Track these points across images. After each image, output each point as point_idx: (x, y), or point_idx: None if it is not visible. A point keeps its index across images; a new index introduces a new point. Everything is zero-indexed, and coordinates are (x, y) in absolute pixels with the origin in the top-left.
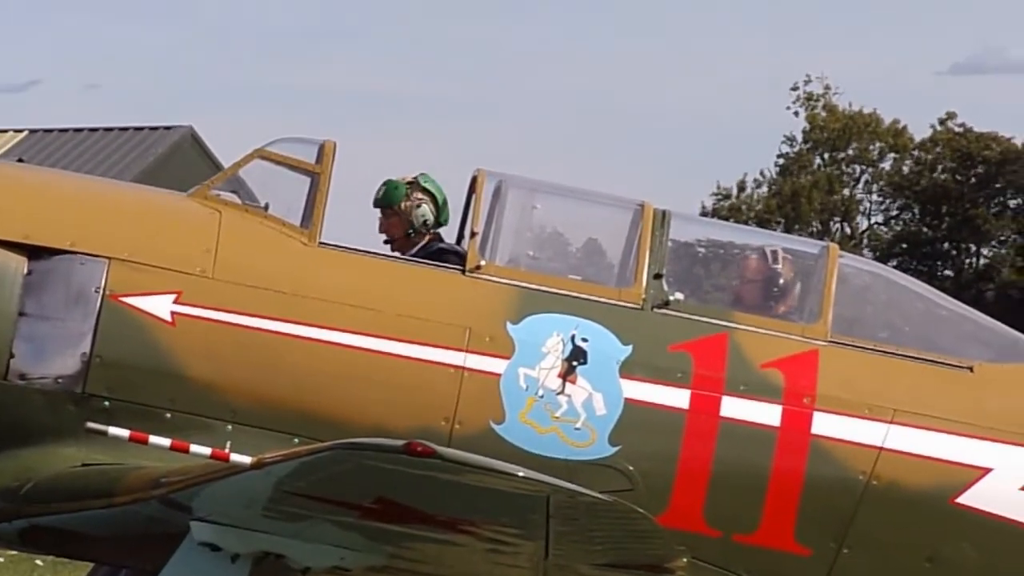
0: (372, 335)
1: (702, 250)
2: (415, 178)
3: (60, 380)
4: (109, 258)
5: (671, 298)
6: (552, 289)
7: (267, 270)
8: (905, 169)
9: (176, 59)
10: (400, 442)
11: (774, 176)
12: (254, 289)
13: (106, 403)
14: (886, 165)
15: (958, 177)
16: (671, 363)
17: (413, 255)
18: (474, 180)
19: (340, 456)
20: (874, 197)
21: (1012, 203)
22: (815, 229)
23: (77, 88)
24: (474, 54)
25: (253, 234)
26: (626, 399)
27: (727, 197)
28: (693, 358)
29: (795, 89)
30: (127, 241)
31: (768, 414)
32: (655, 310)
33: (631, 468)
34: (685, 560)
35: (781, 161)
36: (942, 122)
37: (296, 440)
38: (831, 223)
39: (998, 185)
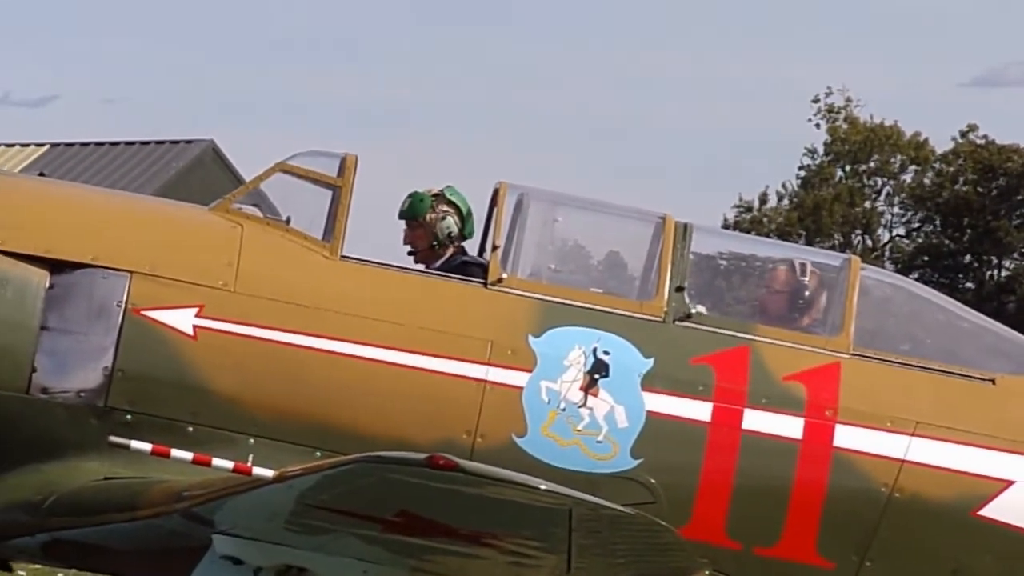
0: (394, 348)
1: (724, 263)
2: (440, 190)
3: (82, 394)
4: (131, 272)
5: (693, 311)
6: (574, 302)
7: (289, 283)
8: (927, 181)
9: (197, 72)
10: (422, 455)
11: (796, 189)
12: (276, 302)
13: (128, 417)
14: (907, 177)
15: (979, 189)
16: (693, 376)
17: (437, 268)
18: (496, 193)
19: (362, 469)
20: (895, 209)
21: None
22: (837, 241)
23: (95, 103)
24: (495, 67)
25: (275, 247)
26: (648, 412)
27: (749, 210)
28: (715, 371)
29: (816, 101)
30: (149, 255)
31: (790, 427)
32: (677, 323)
33: (653, 481)
34: (707, 572)
35: (802, 174)
36: (964, 134)
37: (318, 453)
38: (853, 235)
39: (1020, 197)
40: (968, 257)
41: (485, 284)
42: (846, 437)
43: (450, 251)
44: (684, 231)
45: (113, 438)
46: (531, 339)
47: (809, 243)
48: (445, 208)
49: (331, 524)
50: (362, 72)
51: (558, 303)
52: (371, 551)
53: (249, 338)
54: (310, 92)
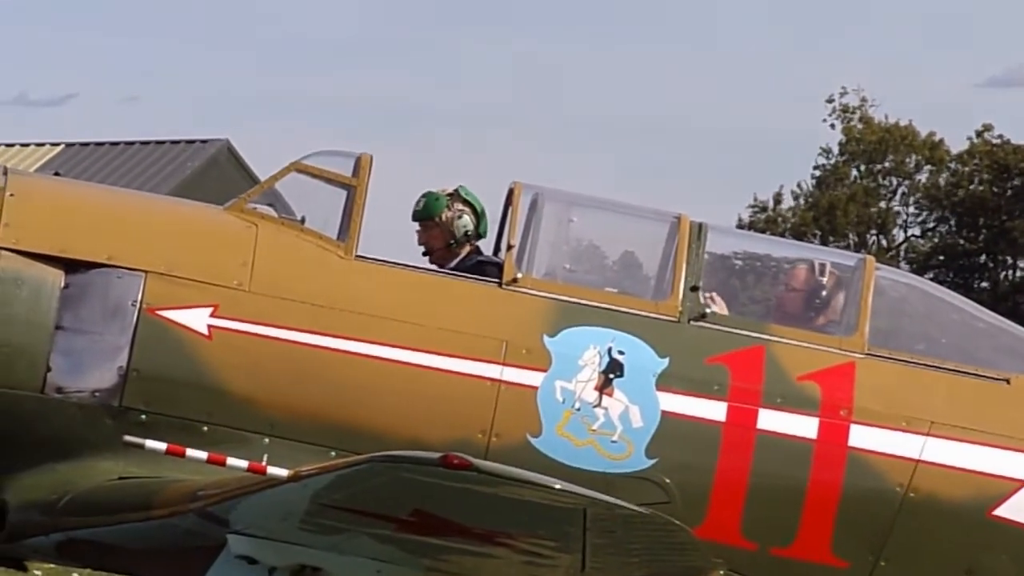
0: (409, 348)
1: (738, 262)
2: (455, 189)
3: (97, 394)
4: (146, 271)
5: (707, 311)
6: (589, 302)
7: (304, 283)
8: (942, 181)
9: (213, 72)
10: (437, 455)
11: (811, 189)
12: (291, 302)
13: (143, 416)
14: (922, 177)
15: (995, 189)
16: (708, 375)
17: (453, 267)
18: (510, 193)
19: (377, 469)
20: (911, 209)
21: None
22: (852, 241)
23: (114, 101)
24: (509, 66)
25: (289, 247)
26: (663, 411)
27: (763, 210)
28: (730, 370)
29: (831, 101)
30: (164, 254)
31: (805, 426)
32: (692, 322)
33: (668, 480)
34: (722, 572)
35: (817, 173)
36: (979, 134)
37: (333, 453)
38: (868, 235)
39: None
40: (983, 257)
41: (500, 284)
42: (861, 437)
43: (466, 250)
44: (699, 231)
45: (128, 438)
46: (546, 339)
47: (824, 243)
48: (461, 207)
49: (345, 524)
50: (379, 71)
51: (573, 303)
52: (385, 551)
53: (264, 338)
54: (325, 91)
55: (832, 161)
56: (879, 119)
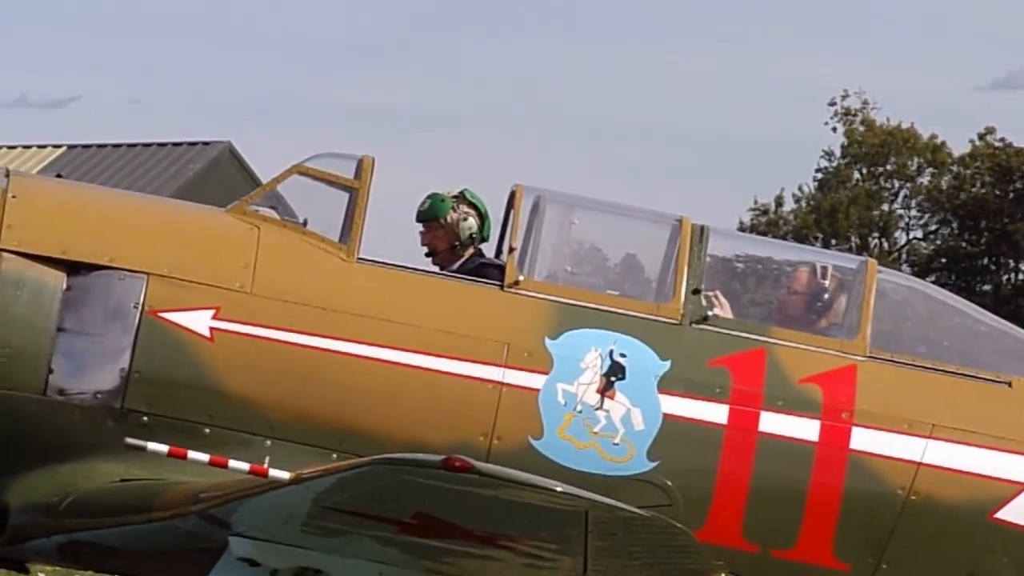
0: (410, 350)
1: (740, 265)
2: (460, 192)
3: (99, 395)
4: (148, 273)
5: (710, 313)
6: (590, 304)
7: (306, 285)
8: (944, 184)
9: (215, 74)
10: (438, 457)
11: (812, 191)
12: (293, 304)
13: (145, 418)
14: (925, 180)
15: (997, 192)
16: (709, 378)
17: (455, 270)
18: (512, 195)
19: (378, 471)
20: (913, 212)
21: None
22: (854, 244)
23: (117, 103)
24: (508, 70)
25: (291, 250)
26: (664, 414)
27: (765, 212)
28: (731, 373)
29: (832, 104)
30: (166, 257)
31: (807, 429)
32: (693, 325)
33: (669, 483)
34: (723, 575)
35: (819, 176)
36: (981, 137)
37: (334, 455)
38: (870, 238)
39: None
40: (985, 260)
41: (501, 286)
42: (862, 440)
43: (469, 252)
44: (701, 233)
45: (130, 440)
46: (548, 341)
47: (826, 246)
48: (466, 209)
49: (347, 526)
50: (381, 74)
51: (575, 305)
52: (387, 553)
53: (266, 340)
54: (328, 94)
55: (835, 164)
56: (881, 122)
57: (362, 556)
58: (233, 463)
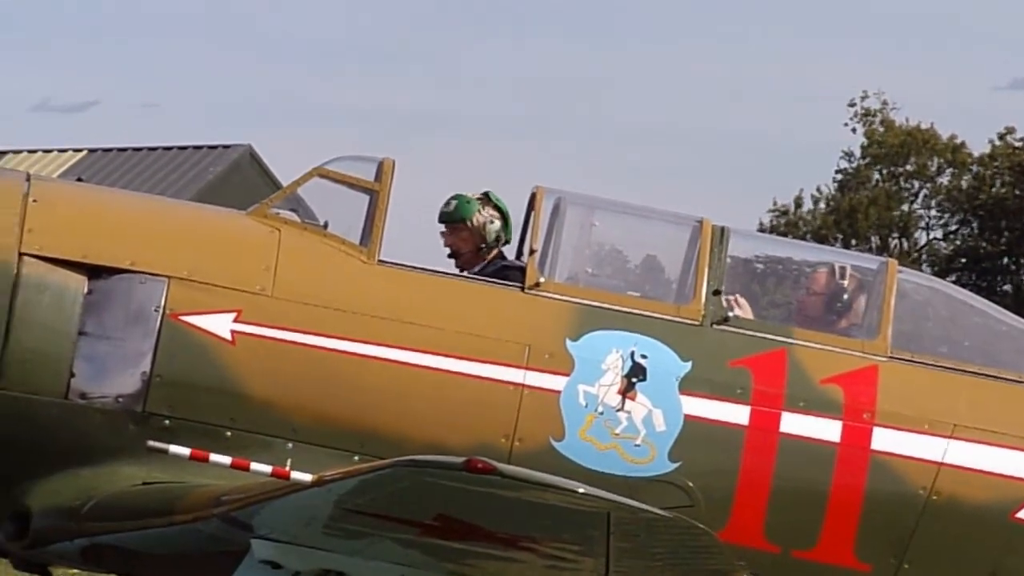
0: (432, 352)
1: (760, 266)
2: (484, 193)
3: (120, 399)
4: (169, 277)
5: (730, 314)
6: (611, 306)
7: (327, 288)
8: (964, 184)
9: (235, 78)
10: (460, 459)
11: (832, 192)
12: (314, 307)
13: (167, 422)
14: (944, 180)
15: (1017, 192)
16: (731, 379)
17: (478, 272)
18: (533, 197)
19: (400, 473)
20: (933, 212)
21: None
22: (874, 244)
23: (136, 107)
24: (529, 74)
25: (312, 252)
26: (686, 415)
27: (784, 213)
28: (753, 374)
29: (852, 105)
30: (187, 260)
31: (828, 430)
32: (714, 326)
33: (691, 484)
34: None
35: (839, 177)
36: (1001, 137)
37: (356, 458)
38: (890, 238)
39: None
40: (1006, 260)
41: (522, 288)
42: (884, 440)
43: (493, 254)
44: (721, 235)
45: (151, 443)
46: (568, 343)
47: (846, 246)
48: (492, 212)
49: (369, 528)
50: (401, 77)
51: (595, 307)
52: (409, 555)
53: (287, 343)
54: (348, 97)
55: (855, 165)
56: (900, 122)
57: (384, 558)
58: (255, 466)
